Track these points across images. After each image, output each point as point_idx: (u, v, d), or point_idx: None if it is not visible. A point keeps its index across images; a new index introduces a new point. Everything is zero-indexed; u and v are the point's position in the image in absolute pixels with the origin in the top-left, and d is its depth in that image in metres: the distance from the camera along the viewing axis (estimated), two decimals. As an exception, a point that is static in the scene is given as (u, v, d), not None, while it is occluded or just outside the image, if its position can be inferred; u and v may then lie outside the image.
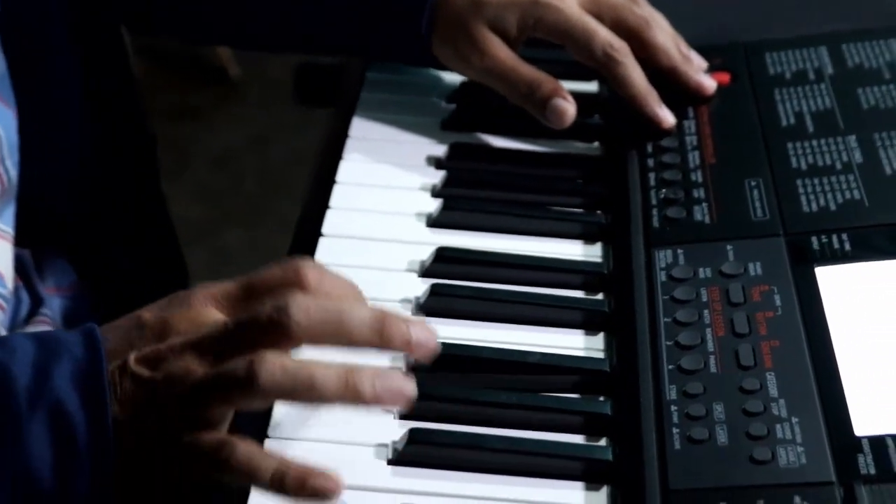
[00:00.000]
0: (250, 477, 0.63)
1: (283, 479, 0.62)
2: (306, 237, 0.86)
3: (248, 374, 0.63)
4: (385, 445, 0.69)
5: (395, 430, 0.70)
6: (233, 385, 0.63)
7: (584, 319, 0.78)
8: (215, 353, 0.64)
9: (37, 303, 0.97)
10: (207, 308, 0.67)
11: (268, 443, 0.69)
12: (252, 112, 2.52)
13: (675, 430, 0.68)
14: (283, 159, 2.43)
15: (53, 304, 0.98)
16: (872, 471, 0.64)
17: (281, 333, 0.64)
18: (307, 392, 0.63)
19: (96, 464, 0.64)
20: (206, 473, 0.64)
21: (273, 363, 0.63)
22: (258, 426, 0.70)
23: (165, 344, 0.66)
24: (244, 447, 0.64)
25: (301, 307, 0.64)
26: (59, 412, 0.64)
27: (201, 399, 0.64)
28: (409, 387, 0.65)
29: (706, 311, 0.75)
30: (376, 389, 0.64)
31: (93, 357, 0.66)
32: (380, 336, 0.65)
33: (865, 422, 0.67)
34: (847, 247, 0.78)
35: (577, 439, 0.71)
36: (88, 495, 0.65)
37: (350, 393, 0.64)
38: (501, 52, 0.90)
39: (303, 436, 0.70)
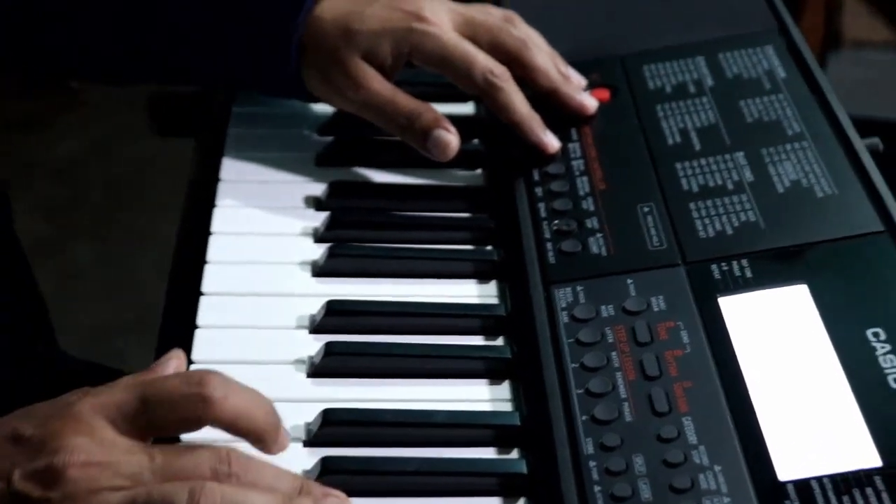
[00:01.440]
0: None
1: None
2: (183, 295, 0.81)
3: (191, 502, 0.58)
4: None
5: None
6: None
7: (486, 368, 0.75)
8: (136, 477, 0.59)
9: None
10: (100, 423, 0.61)
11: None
12: (92, 120, 2.42)
13: (596, 489, 0.65)
14: (127, 167, 2.34)
15: None
16: (801, 518, 0.62)
17: (219, 472, 0.59)
18: None
19: None
20: None
21: (215, 490, 0.58)
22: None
23: (60, 459, 0.60)
24: None
25: (240, 458, 0.60)
26: None
27: None
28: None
29: (614, 354, 0.72)
30: None
31: None
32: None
33: (787, 464, 0.65)
34: (748, 273, 0.76)
35: (494, 502, 0.68)
36: None
37: None
38: (376, 83, 0.86)
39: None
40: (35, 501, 0.59)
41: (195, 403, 0.61)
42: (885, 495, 0.63)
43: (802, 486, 0.64)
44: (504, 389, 0.74)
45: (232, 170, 0.89)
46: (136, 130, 2.34)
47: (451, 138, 0.85)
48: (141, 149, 2.33)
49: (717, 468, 0.65)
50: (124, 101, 2.36)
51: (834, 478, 0.64)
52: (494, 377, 0.75)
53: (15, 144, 2.38)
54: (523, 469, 0.68)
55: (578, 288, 0.77)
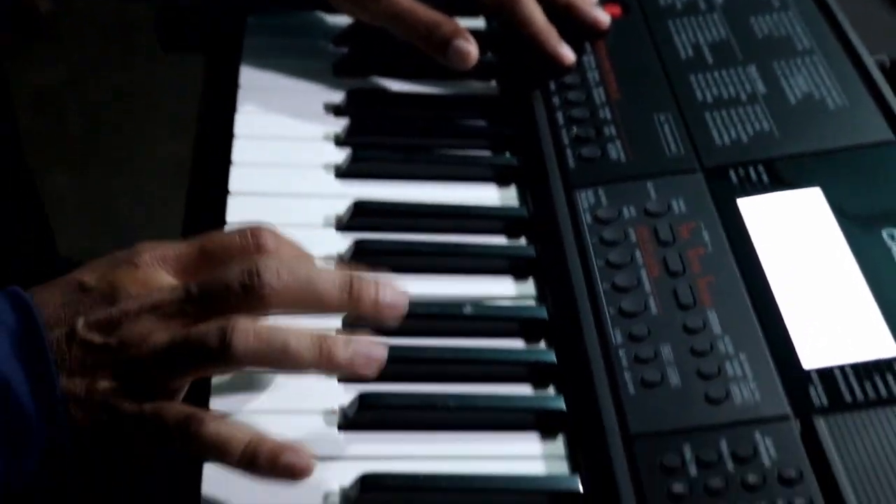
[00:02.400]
0: (219, 453, 0.60)
1: (254, 457, 0.60)
2: (206, 195, 0.82)
3: (222, 340, 0.60)
4: (334, 412, 0.67)
5: (341, 395, 0.68)
6: (204, 352, 0.61)
7: (511, 265, 0.77)
8: (182, 318, 0.61)
9: None
10: (158, 271, 0.64)
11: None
12: (66, 50, 2.41)
13: (626, 374, 0.68)
14: (104, 98, 2.33)
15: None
16: (825, 402, 0.65)
17: (252, 298, 0.61)
18: (281, 359, 0.61)
19: (46, 439, 0.61)
20: (170, 448, 0.61)
21: (247, 329, 0.60)
22: (199, 397, 0.67)
23: (118, 308, 0.62)
24: (213, 421, 0.61)
25: (272, 271, 0.62)
26: (2, 386, 0.60)
27: (165, 366, 0.61)
28: (381, 351, 0.64)
29: (637, 252, 0.75)
30: (350, 355, 0.62)
31: (26, 321, 0.62)
32: (349, 298, 0.63)
33: (811, 353, 0.68)
34: (764, 178, 0.78)
35: (524, 389, 0.70)
36: (38, 473, 0.61)
37: (324, 359, 0.62)
38: None
39: (247, 408, 0.67)
40: (96, 347, 0.61)
41: (249, 250, 0.63)
42: (904, 381, 0.66)
43: (826, 373, 0.66)
44: (529, 286, 0.76)
45: (250, 77, 0.90)
46: (112, 61, 2.32)
47: (471, 48, 0.86)
48: (117, 80, 2.32)
49: (742, 356, 0.68)
50: (98, 31, 2.35)
51: (855, 366, 0.67)
52: (518, 275, 0.76)
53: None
54: (562, 406, 0.68)
55: (600, 191, 0.79)
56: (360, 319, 0.66)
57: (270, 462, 0.60)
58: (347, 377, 0.66)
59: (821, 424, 0.64)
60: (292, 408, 0.67)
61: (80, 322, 0.62)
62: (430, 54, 0.87)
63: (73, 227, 2.09)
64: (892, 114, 0.81)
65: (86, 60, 2.36)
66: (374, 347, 0.63)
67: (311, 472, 0.61)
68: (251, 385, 0.68)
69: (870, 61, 0.86)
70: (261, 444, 0.60)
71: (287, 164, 0.83)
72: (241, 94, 0.88)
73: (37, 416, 0.60)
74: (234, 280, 0.62)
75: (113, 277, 0.63)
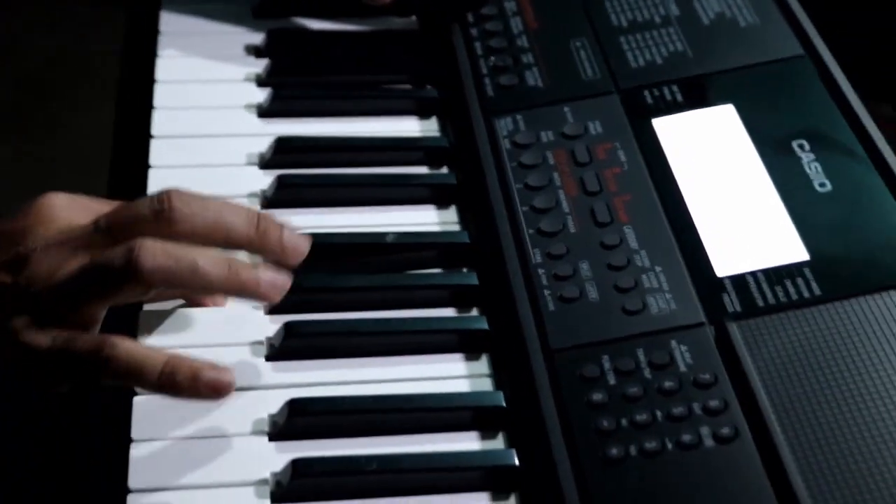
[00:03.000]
0: (135, 378, 0.61)
1: (173, 378, 0.61)
2: (131, 140, 0.83)
3: (128, 259, 0.61)
4: (261, 343, 0.68)
5: (268, 326, 0.69)
6: (111, 273, 0.61)
7: (433, 194, 0.78)
8: (90, 250, 0.62)
9: None
10: (65, 212, 0.64)
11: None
12: (-1, 16, 2.38)
13: (546, 292, 0.69)
14: (36, 62, 2.31)
15: None
16: (738, 308, 0.67)
17: (162, 222, 0.62)
18: (190, 277, 0.62)
19: None
20: (84, 377, 0.62)
21: (154, 247, 0.61)
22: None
23: (25, 246, 0.63)
24: (126, 344, 0.61)
25: (182, 199, 0.63)
26: None
27: (74, 295, 0.62)
28: (286, 279, 0.64)
29: (555, 174, 0.76)
30: (256, 277, 0.63)
31: None
32: (256, 232, 0.64)
33: (724, 262, 0.69)
34: (678, 97, 0.80)
35: (449, 312, 0.71)
36: None
37: (232, 280, 0.63)
38: None
39: (174, 343, 0.67)
40: (6, 287, 0.62)
41: (158, 212, 0.63)
42: (813, 284, 0.67)
43: (738, 279, 0.68)
44: (451, 213, 0.77)
45: (170, 22, 0.90)
46: (44, 25, 2.30)
47: None
48: (49, 44, 2.30)
49: (658, 269, 0.69)
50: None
51: (767, 271, 0.68)
52: (440, 202, 0.78)
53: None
54: (485, 325, 0.69)
55: (518, 117, 0.80)
56: (265, 256, 0.67)
57: (191, 380, 0.61)
58: (253, 300, 0.67)
59: (733, 329, 0.65)
60: (220, 341, 0.68)
61: None
62: None
63: (10, 195, 2.09)
64: (801, 29, 0.83)
65: (16, 28, 2.34)
66: (281, 277, 0.65)
67: (233, 388, 0.62)
68: (178, 322, 0.69)
69: (780, -22, 0.88)
70: (179, 363, 0.61)
71: (209, 107, 0.84)
72: (162, 40, 0.88)
73: None
74: (144, 207, 0.63)
75: (23, 220, 0.64)
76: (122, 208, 0.65)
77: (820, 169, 0.74)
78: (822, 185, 0.73)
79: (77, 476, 0.68)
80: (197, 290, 0.66)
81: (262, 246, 0.65)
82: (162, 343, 0.67)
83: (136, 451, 0.62)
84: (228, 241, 0.64)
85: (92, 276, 0.62)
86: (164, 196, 0.64)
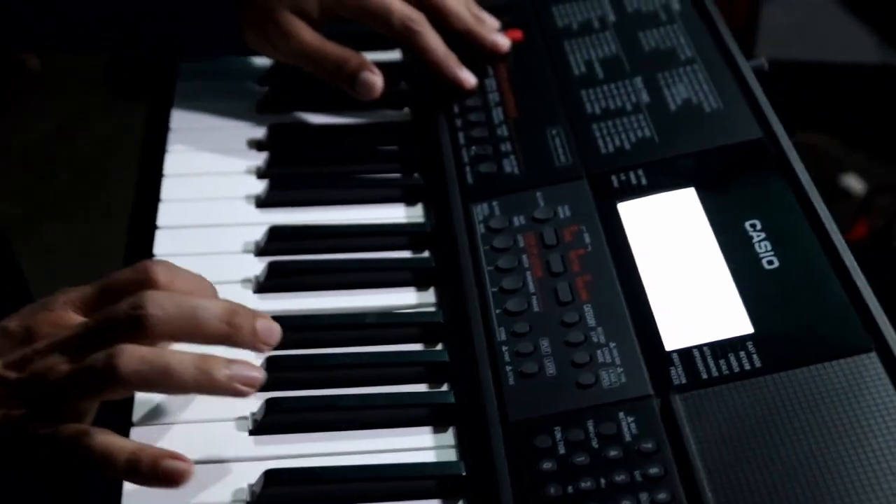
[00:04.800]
0: (105, 464, 0.67)
1: (136, 463, 0.67)
2: (141, 230, 0.90)
3: (107, 364, 0.67)
4: (245, 418, 0.74)
5: (252, 402, 0.75)
6: (94, 376, 0.68)
7: (413, 277, 0.84)
8: (78, 350, 0.68)
9: None
10: (68, 312, 0.71)
11: (133, 431, 0.73)
12: (55, 103, 2.50)
13: (508, 368, 0.74)
14: (92, 148, 2.41)
15: None
16: (684, 380, 0.72)
17: (138, 327, 0.68)
18: (164, 379, 0.68)
19: None
20: (65, 463, 0.68)
21: (131, 353, 0.68)
22: (123, 415, 0.74)
23: (31, 347, 0.70)
24: (100, 436, 0.68)
25: (156, 302, 0.69)
26: None
27: (65, 393, 0.68)
28: (259, 374, 0.71)
29: (524, 256, 0.82)
30: (229, 376, 0.69)
31: None
32: (228, 328, 0.70)
33: (673, 337, 0.74)
34: (644, 181, 0.85)
35: (422, 388, 0.77)
36: None
37: (204, 379, 0.69)
38: (306, 34, 0.94)
39: (167, 420, 0.74)
40: (12, 383, 0.69)
41: (142, 285, 0.70)
42: (755, 356, 0.72)
43: (685, 353, 0.73)
44: (430, 295, 0.83)
45: (180, 119, 0.98)
46: (99, 109, 2.41)
47: (376, 79, 0.93)
48: (104, 131, 2.41)
49: (612, 344, 0.75)
50: (85, 81, 2.44)
51: (713, 345, 0.73)
52: (421, 285, 0.83)
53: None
54: (451, 399, 0.74)
55: (494, 203, 0.86)
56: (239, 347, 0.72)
57: (151, 467, 0.67)
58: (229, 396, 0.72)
59: (676, 401, 0.70)
60: (208, 417, 0.74)
61: (1, 363, 0.70)
62: (339, 88, 0.95)
63: (67, 274, 2.17)
64: (761, 113, 0.88)
65: (72, 114, 2.45)
66: (253, 369, 0.70)
67: (190, 476, 0.67)
68: (172, 399, 0.75)
69: (745, 66, 0.93)
70: (142, 452, 0.67)
71: (211, 198, 0.91)
72: (172, 136, 0.96)
73: None
74: (121, 313, 0.69)
75: (30, 321, 0.71)
76: (104, 314, 0.71)
77: (769, 247, 0.78)
78: (769, 262, 0.78)
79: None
80: (171, 391, 0.72)
81: (236, 339, 0.71)
82: (154, 420, 0.74)
83: None
84: (203, 338, 0.70)
85: (78, 378, 0.69)
86: (139, 302, 0.69)
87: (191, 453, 0.69)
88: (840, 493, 0.65)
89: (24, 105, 2.49)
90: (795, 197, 0.81)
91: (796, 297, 0.75)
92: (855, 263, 0.75)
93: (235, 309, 0.71)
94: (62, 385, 0.68)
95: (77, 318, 0.71)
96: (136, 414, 0.74)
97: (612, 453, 0.68)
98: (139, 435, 0.73)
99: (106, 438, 0.68)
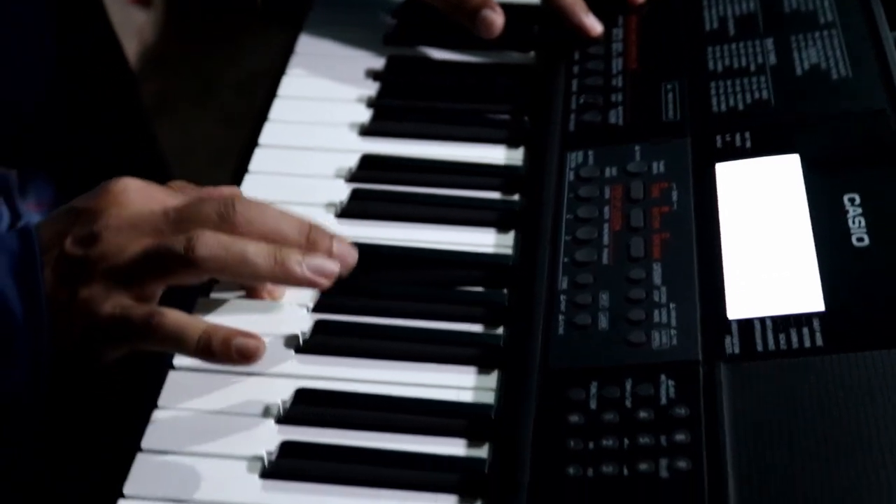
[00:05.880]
0: (178, 343, 0.69)
1: (209, 343, 0.68)
2: (248, 152, 0.91)
3: (188, 246, 0.69)
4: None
5: (305, 322, 0.75)
6: (172, 257, 0.70)
7: (497, 218, 0.82)
8: (156, 236, 0.70)
9: (16, 218, 1.03)
10: (136, 195, 0.73)
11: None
12: (276, 39, 2.56)
13: (561, 317, 0.72)
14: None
15: (32, 220, 1.04)
16: (737, 350, 0.68)
17: (224, 224, 0.70)
18: (240, 266, 0.70)
19: (32, 349, 0.70)
20: (135, 343, 0.70)
21: (210, 238, 0.69)
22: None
23: (99, 224, 0.71)
24: (173, 314, 0.69)
25: (245, 205, 0.72)
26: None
27: (137, 273, 0.70)
28: (334, 266, 0.72)
29: (606, 208, 0.79)
30: (304, 267, 0.70)
31: (26, 248, 0.71)
32: (306, 241, 0.72)
33: (738, 306, 0.70)
34: (748, 144, 0.81)
35: (476, 328, 0.75)
36: (26, 383, 0.71)
37: (279, 269, 0.70)
38: None
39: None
40: (78, 260, 0.71)
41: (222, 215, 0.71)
42: (818, 335, 0.67)
43: (746, 323, 0.69)
44: (509, 238, 0.81)
45: (306, 44, 0.98)
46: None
47: (497, 17, 0.92)
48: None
49: (672, 305, 0.71)
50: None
51: (777, 318, 0.69)
52: (502, 227, 0.81)
53: (206, 61, 2.54)
54: (499, 342, 0.73)
55: (590, 152, 0.83)
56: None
57: (224, 346, 0.68)
58: (301, 287, 0.73)
59: (721, 370, 0.66)
60: (259, 331, 0.74)
61: (69, 240, 0.72)
62: (462, 23, 0.93)
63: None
64: (892, 85, 0.82)
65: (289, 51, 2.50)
66: (328, 263, 0.71)
67: (262, 354, 0.69)
68: (227, 310, 0.76)
69: (887, 36, 0.87)
70: (215, 330, 0.69)
71: (317, 123, 0.91)
72: (293, 60, 0.96)
73: (25, 326, 0.70)
74: (211, 209, 0.71)
75: (99, 200, 0.73)
76: (191, 205, 0.73)
77: (863, 223, 0.73)
78: (859, 239, 0.72)
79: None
80: (246, 278, 0.74)
81: (311, 253, 0.72)
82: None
83: (158, 415, 0.69)
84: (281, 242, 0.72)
85: (154, 258, 0.71)
86: (229, 203, 0.72)
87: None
88: (885, 487, 0.60)
89: (247, 39, 2.56)
90: (905, 174, 0.75)
91: (880, 279, 0.70)
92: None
93: (314, 226, 0.73)
94: (135, 264, 0.70)
95: (146, 204, 0.73)
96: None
97: (643, 415, 0.65)
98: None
99: (180, 317, 0.69)
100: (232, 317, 0.75)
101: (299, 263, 0.71)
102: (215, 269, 0.71)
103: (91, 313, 0.70)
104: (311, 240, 0.73)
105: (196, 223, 0.71)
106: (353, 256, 0.74)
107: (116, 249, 0.71)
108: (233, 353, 0.69)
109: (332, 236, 0.73)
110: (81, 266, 0.71)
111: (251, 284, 0.76)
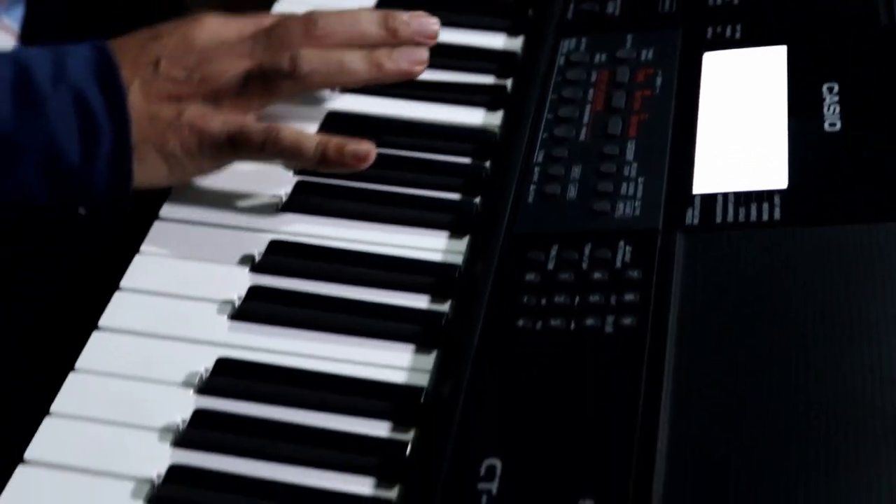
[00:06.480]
0: (296, 152, 0.74)
1: (325, 150, 0.74)
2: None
3: (292, 62, 0.75)
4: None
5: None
6: (278, 76, 0.75)
7: (487, 100, 0.84)
8: (252, 58, 0.76)
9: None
10: (226, 22, 0.78)
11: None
12: None
13: (532, 187, 0.74)
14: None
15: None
16: (696, 222, 0.69)
17: (312, 35, 0.76)
18: (340, 74, 0.77)
19: (112, 148, 0.72)
20: (251, 155, 0.75)
21: (310, 53, 0.76)
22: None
23: (197, 49, 0.76)
24: (288, 128, 0.75)
25: (326, 14, 0.78)
26: (79, 96, 0.72)
27: (245, 92, 0.75)
28: (422, 53, 0.78)
29: (591, 90, 0.80)
30: (396, 60, 0.77)
31: (101, 54, 0.74)
32: (387, 30, 0.79)
33: (705, 181, 0.72)
34: (738, 35, 0.82)
35: (456, 196, 0.77)
36: (106, 180, 0.73)
37: (375, 67, 0.77)
38: None
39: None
40: (182, 80, 0.75)
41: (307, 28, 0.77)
42: (777, 210, 0.69)
43: (709, 197, 0.71)
44: (497, 117, 0.83)
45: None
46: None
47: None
48: None
49: (640, 179, 0.73)
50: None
51: (739, 194, 0.70)
52: (491, 107, 0.83)
53: None
54: (473, 209, 0.75)
55: (583, 39, 0.85)
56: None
57: (338, 152, 0.74)
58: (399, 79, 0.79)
59: (679, 238, 0.68)
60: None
61: (164, 61, 0.75)
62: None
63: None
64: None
65: None
66: (416, 51, 0.78)
67: (373, 157, 0.74)
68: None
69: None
70: (328, 139, 0.74)
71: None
72: None
73: (110, 128, 0.72)
74: (297, 28, 0.77)
75: (187, 28, 0.77)
76: (278, 26, 0.78)
77: (837, 111, 0.74)
78: (832, 125, 0.73)
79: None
80: (347, 84, 0.80)
81: (396, 41, 0.78)
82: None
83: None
84: (367, 45, 0.78)
85: (260, 77, 0.76)
86: (310, 19, 0.78)
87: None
88: (821, 362, 0.61)
89: None
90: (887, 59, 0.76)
91: (844, 161, 0.71)
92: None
93: (390, 13, 0.79)
94: (241, 82, 0.75)
95: (231, 34, 0.77)
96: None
97: (597, 276, 0.67)
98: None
99: (294, 130, 0.75)
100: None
101: (391, 60, 0.77)
102: (318, 82, 0.78)
103: (204, 129, 0.74)
104: (391, 28, 0.79)
105: (288, 43, 0.77)
106: (434, 25, 0.80)
107: (220, 71, 0.76)
108: (347, 157, 0.74)
109: (408, 15, 0.79)
110: (185, 86, 0.75)
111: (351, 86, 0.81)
